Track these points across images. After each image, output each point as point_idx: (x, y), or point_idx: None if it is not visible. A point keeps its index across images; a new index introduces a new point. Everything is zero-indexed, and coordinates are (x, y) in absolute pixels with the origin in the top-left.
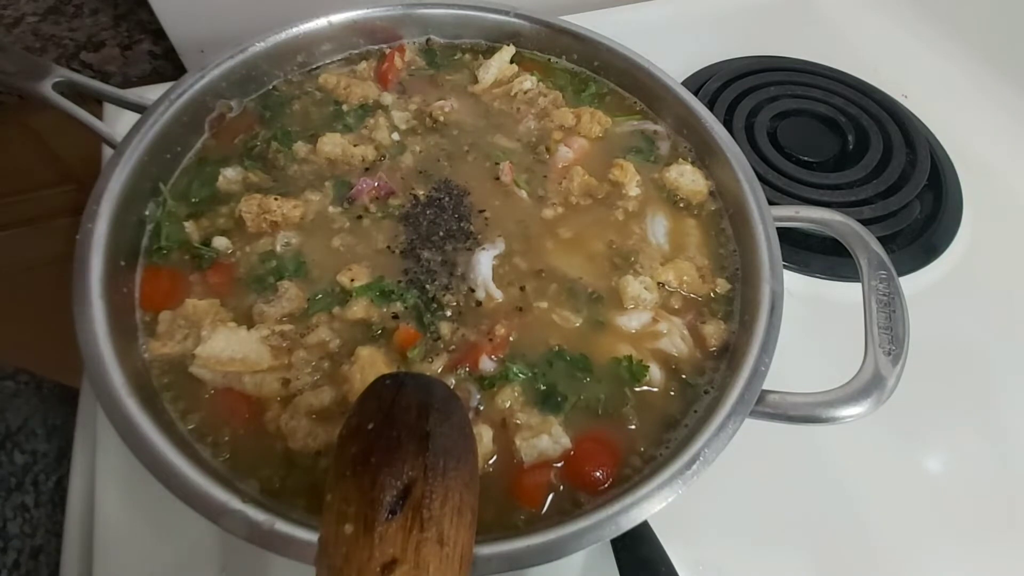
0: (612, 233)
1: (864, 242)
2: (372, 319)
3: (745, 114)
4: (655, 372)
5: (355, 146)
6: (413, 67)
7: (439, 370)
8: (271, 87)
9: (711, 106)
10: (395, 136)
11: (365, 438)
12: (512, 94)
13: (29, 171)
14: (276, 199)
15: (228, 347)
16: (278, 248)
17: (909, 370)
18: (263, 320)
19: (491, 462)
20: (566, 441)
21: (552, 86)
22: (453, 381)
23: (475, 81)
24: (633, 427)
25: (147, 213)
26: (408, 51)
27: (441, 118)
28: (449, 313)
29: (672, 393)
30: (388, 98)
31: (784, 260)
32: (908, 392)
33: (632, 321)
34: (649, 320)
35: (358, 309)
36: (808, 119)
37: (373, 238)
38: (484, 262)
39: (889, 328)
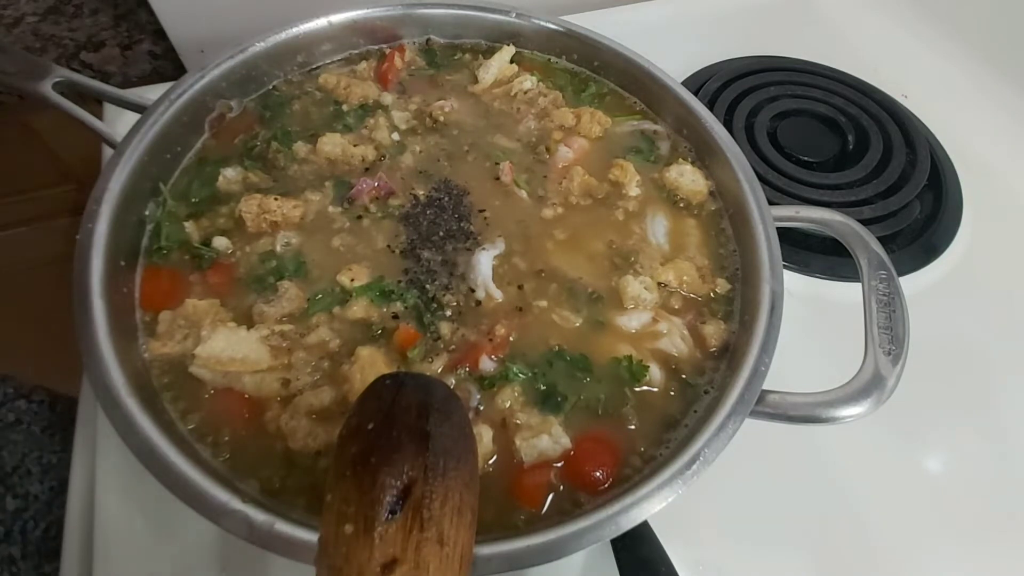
0: (612, 233)
1: (864, 242)
2: (372, 319)
3: (745, 114)
4: (655, 372)
5: (355, 146)
6: (413, 67)
7: (439, 370)
8: (271, 87)
9: (711, 106)
10: (395, 136)
11: (365, 438)
12: (512, 94)
13: (29, 171)
14: (276, 199)
15: (228, 347)
16: (278, 248)
17: (909, 370)
18: (263, 320)
19: (491, 462)
20: (566, 441)
21: (552, 86)
22: (453, 381)
23: (475, 81)
24: (633, 427)
25: (147, 213)
26: (408, 51)
27: (441, 118)
28: (449, 313)
29: (672, 393)
30: (388, 98)
31: (784, 260)
32: (908, 392)
33: (632, 321)
34: (649, 320)
35: (358, 309)
36: (808, 119)
37: (373, 238)
38: (484, 262)
39: (889, 328)
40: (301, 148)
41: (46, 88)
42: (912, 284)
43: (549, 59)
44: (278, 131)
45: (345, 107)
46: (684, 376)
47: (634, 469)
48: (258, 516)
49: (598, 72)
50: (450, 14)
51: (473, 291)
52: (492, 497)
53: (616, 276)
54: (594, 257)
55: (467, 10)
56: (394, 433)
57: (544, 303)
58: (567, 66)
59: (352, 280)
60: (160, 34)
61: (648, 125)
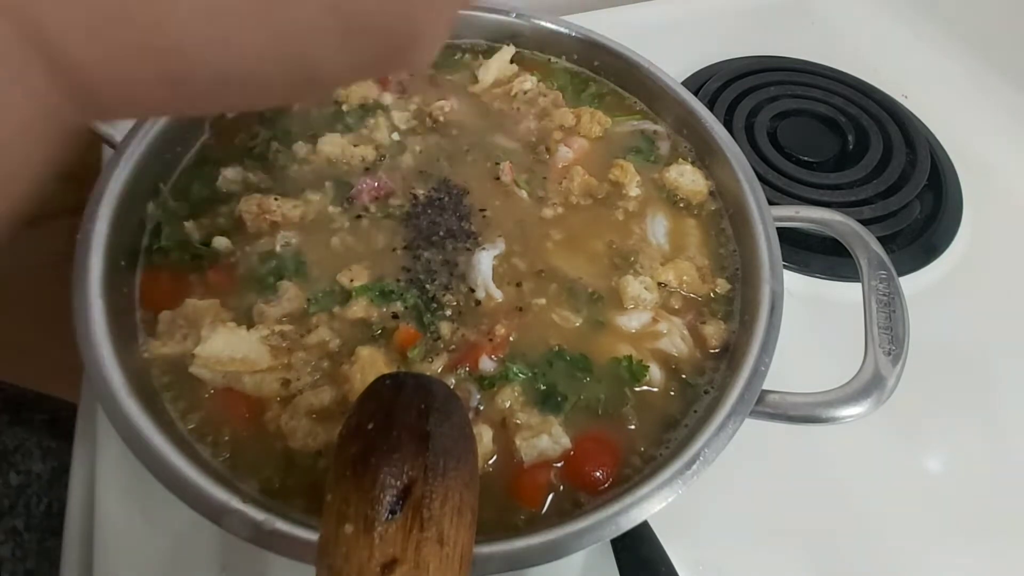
0: (612, 233)
1: (864, 242)
2: (372, 319)
3: (745, 114)
4: (655, 372)
5: (355, 146)
6: None
7: (439, 370)
8: None
9: (711, 106)
10: (395, 136)
11: (365, 438)
12: (512, 94)
13: None
14: (276, 199)
15: (228, 347)
16: (278, 248)
17: (909, 370)
18: (263, 320)
19: (491, 462)
20: (566, 441)
21: (552, 86)
22: (453, 381)
23: (475, 81)
24: (633, 427)
25: (147, 213)
26: None
27: (441, 118)
28: (449, 313)
29: (672, 393)
30: (388, 98)
31: (784, 260)
32: (908, 392)
33: (632, 321)
34: (649, 320)
35: (358, 309)
36: (808, 119)
37: (373, 238)
38: (484, 262)
39: (889, 328)
40: (301, 148)
41: None
42: (912, 284)
43: (549, 59)
44: (278, 131)
45: (345, 107)
46: (684, 376)
47: (634, 469)
48: (258, 516)
49: (598, 72)
50: None
51: (473, 291)
52: (492, 497)
53: (616, 276)
54: (594, 257)
55: (467, 10)
56: (394, 433)
57: (544, 303)
58: (567, 66)
59: (352, 280)
60: None
61: (648, 125)
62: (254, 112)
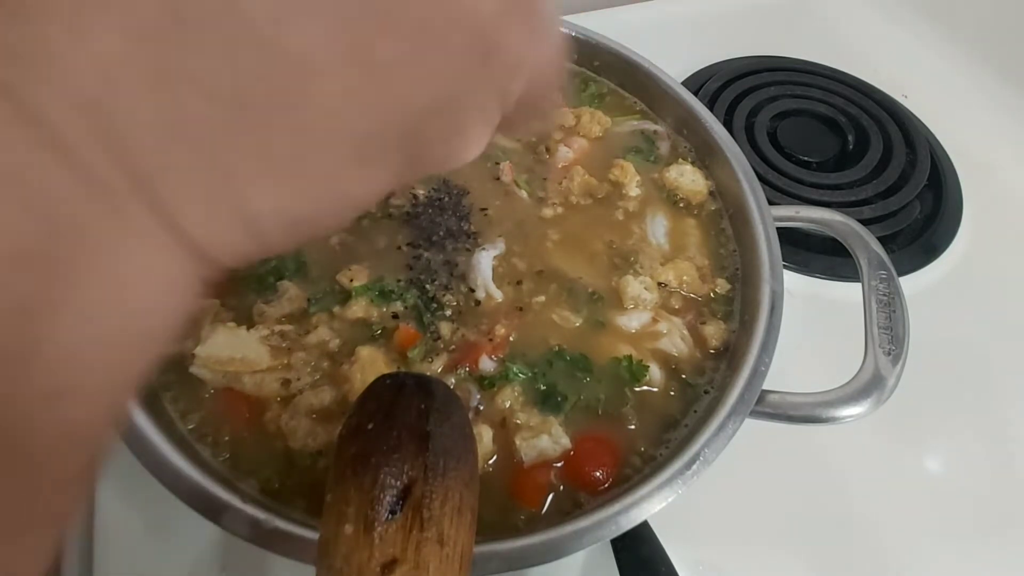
0: (612, 233)
1: (864, 242)
2: (372, 319)
3: (745, 114)
4: (655, 372)
5: None
6: None
7: (439, 370)
8: None
9: (711, 106)
10: None
11: (365, 438)
12: None
13: None
14: None
15: (228, 347)
16: None
17: (909, 370)
18: (263, 320)
19: (491, 462)
20: (566, 441)
21: None
22: (453, 381)
23: None
24: (633, 427)
25: None
26: None
27: None
28: (449, 313)
29: (672, 393)
30: None
31: (784, 260)
32: (908, 392)
33: (632, 321)
34: (649, 320)
35: (358, 309)
36: (808, 119)
37: (373, 238)
38: (484, 262)
39: (889, 328)
40: None
41: None
42: (912, 284)
43: None
44: None
45: None
46: (684, 376)
47: (634, 469)
48: (258, 516)
49: (598, 72)
50: None
51: (473, 291)
52: (492, 497)
53: (616, 276)
54: (594, 257)
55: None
56: (394, 433)
57: (544, 303)
58: (567, 66)
59: (352, 280)
60: None
61: (648, 125)
62: None
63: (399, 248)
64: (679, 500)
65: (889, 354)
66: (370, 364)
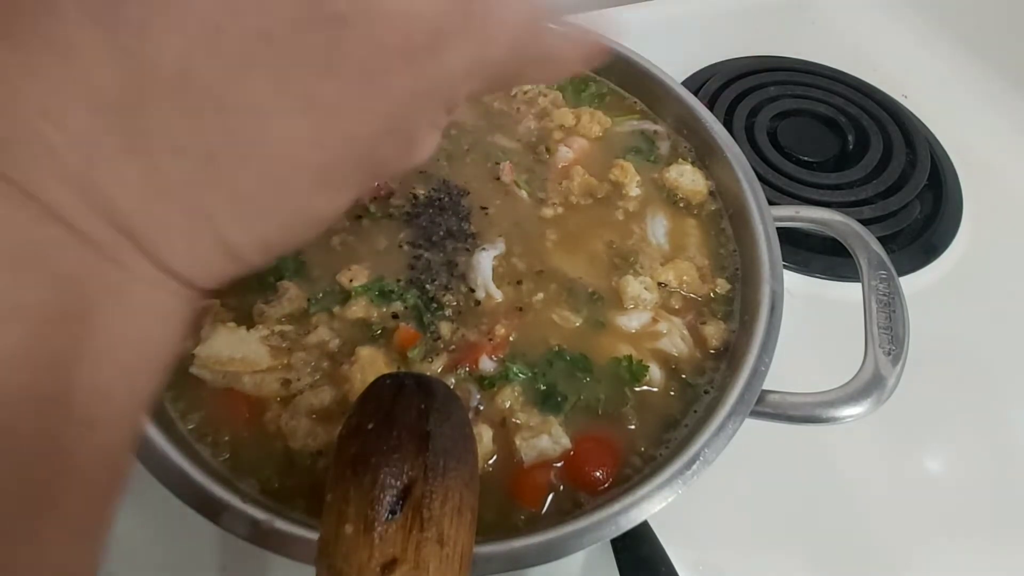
0: (612, 233)
1: (864, 242)
2: (372, 319)
3: (745, 114)
4: (655, 372)
5: None
6: None
7: (439, 370)
8: None
9: (711, 106)
10: None
11: (365, 438)
12: (512, 94)
13: None
14: None
15: (228, 347)
16: None
17: (909, 370)
18: (263, 320)
19: (491, 462)
20: (566, 441)
21: (552, 86)
22: (453, 381)
23: None
24: (633, 427)
25: None
26: None
27: None
28: (449, 313)
29: (672, 393)
30: None
31: (784, 260)
32: (908, 392)
33: (632, 321)
34: (649, 320)
35: (358, 309)
36: (808, 119)
37: (373, 238)
38: (484, 262)
39: (889, 328)
40: None
41: None
42: (912, 284)
43: None
44: None
45: None
46: (684, 376)
47: (634, 469)
48: (258, 516)
49: (598, 72)
50: None
51: (473, 291)
52: (492, 497)
53: (616, 276)
54: (594, 257)
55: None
56: (394, 433)
57: (544, 303)
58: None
59: (351, 280)
60: None
61: (648, 125)
62: None
63: (399, 248)
64: (679, 500)
65: (889, 354)
66: (370, 364)
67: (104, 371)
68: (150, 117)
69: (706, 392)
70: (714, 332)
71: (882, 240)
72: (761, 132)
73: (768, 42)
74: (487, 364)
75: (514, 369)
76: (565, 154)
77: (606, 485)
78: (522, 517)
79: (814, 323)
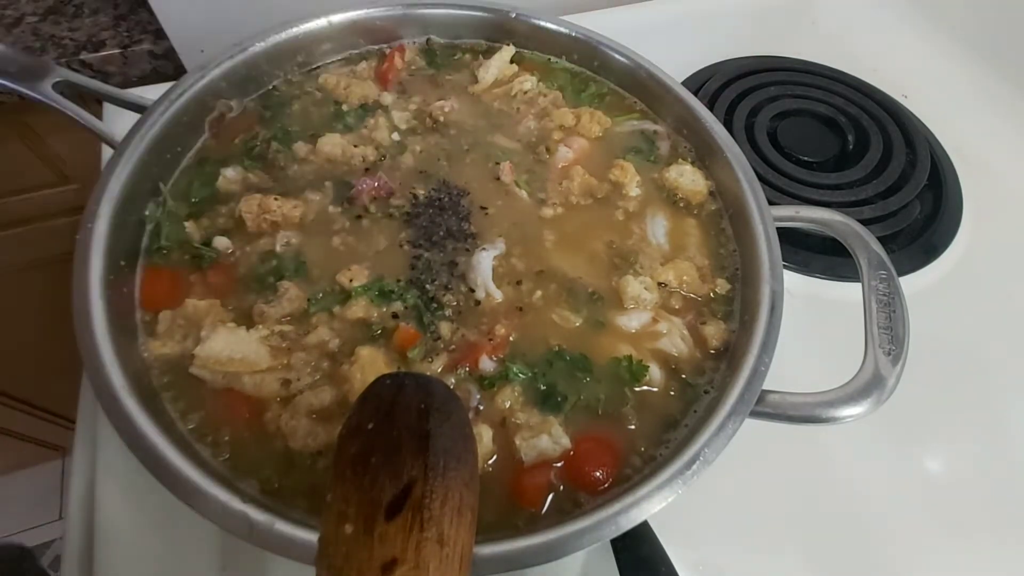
0: (612, 233)
1: (864, 242)
2: (372, 319)
3: (745, 114)
4: (655, 372)
5: (355, 146)
6: (413, 67)
7: (439, 370)
8: (271, 87)
9: (711, 106)
10: (395, 136)
11: (365, 438)
12: (512, 94)
13: (29, 171)
14: (276, 199)
15: (227, 347)
16: (278, 248)
17: (909, 370)
18: (263, 320)
19: (491, 462)
20: (566, 441)
21: (552, 86)
22: (453, 381)
23: (475, 81)
24: (633, 427)
25: (147, 213)
26: (408, 51)
27: (441, 118)
28: (449, 313)
29: (672, 393)
30: (388, 98)
31: (784, 260)
32: (908, 392)
33: (632, 321)
34: (649, 320)
35: (358, 309)
36: (808, 119)
37: (373, 238)
38: (484, 262)
39: (889, 328)
40: (301, 148)
41: (46, 88)
42: (912, 284)
43: (549, 59)
44: (278, 131)
45: (345, 107)
46: (684, 376)
47: (634, 469)
48: (258, 516)
49: (598, 72)
50: (450, 14)
51: (473, 291)
52: (492, 497)
53: (616, 276)
54: (594, 257)
55: (467, 10)
56: (394, 433)
57: (544, 303)
58: (567, 66)
59: (351, 280)
60: (160, 34)
61: (648, 125)
62: (254, 112)
63: (399, 248)
64: (679, 500)
65: (889, 354)
66: (370, 364)
67: None
68: None
69: (706, 392)
70: (714, 332)
71: (882, 240)
72: (761, 132)
73: (768, 42)
74: (487, 364)
75: (514, 369)
76: (565, 154)
77: (606, 485)
78: (522, 517)
79: (814, 323)
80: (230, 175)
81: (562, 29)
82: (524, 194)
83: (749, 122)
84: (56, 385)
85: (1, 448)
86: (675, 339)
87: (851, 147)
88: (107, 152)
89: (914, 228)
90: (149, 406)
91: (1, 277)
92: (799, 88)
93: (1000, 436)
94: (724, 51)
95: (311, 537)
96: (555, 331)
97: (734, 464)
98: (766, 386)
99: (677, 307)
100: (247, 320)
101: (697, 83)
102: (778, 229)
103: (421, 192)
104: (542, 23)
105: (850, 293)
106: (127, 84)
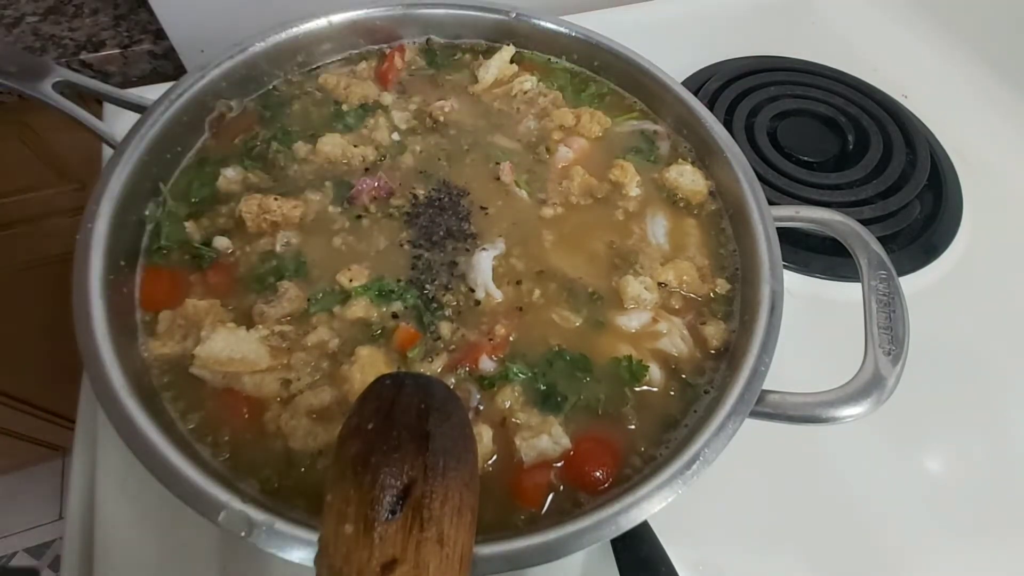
0: (612, 233)
1: (864, 242)
2: (372, 319)
3: (745, 114)
4: (655, 372)
5: (355, 146)
6: (413, 67)
7: (439, 370)
8: (271, 87)
9: (711, 106)
10: (395, 136)
11: (365, 438)
12: (512, 94)
13: (29, 171)
14: (276, 199)
15: (227, 347)
16: (278, 248)
17: (909, 370)
18: (263, 320)
19: (491, 462)
20: (566, 441)
21: (552, 86)
22: (453, 381)
23: (475, 81)
24: (633, 427)
25: (147, 213)
26: (408, 51)
27: (441, 118)
28: (449, 313)
29: (672, 393)
30: (388, 98)
31: (784, 260)
32: (908, 392)
33: (632, 321)
34: (649, 320)
35: (358, 309)
36: (808, 119)
37: (373, 238)
38: (484, 262)
39: (889, 328)
40: (301, 148)
41: (46, 88)
42: (912, 284)
43: (549, 59)
44: (278, 131)
45: (345, 107)
46: (684, 376)
47: (634, 469)
48: (258, 516)
49: (598, 72)
50: (450, 14)
51: (473, 291)
52: (492, 497)
53: (616, 276)
54: (594, 257)
55: (467, 10)
56: (394, 433)
57: (544, 303)
58: (567, 66)
59: (351, 280)
60: (160, 34)
61: (648, 125)
62: (254, 112)
63: (399, 248)
64: (679, 500)
65: (889, 354)
66: (370, 364)
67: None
68: None
69: (706, 392)
70: (714, 332)
71: (882, 240)
72: (761, 132)
73: (768, 42)
74: (487, 364)
75: (514, 369)
76: (565, 154)
77: (606, 485)
78: (522, 517)
79: (814, 323)
80: (230, 175)
81: (562, 29)
82: (524, 194)
83: (749, 122)
84: (56, 385)
85: (1, 448)
86: (675, 339)
87: (851, 147)
88: (107, 152)
89: (914, 228)
90: (149, 406)
91: (1, 277)
92: (799, 88)
93: (1000, 436)
94: (724, 51)
95: (311, 537)
96: (555, 331)
97: (734, 464)
98: (766, 386)
99: (677, 307)
100: (247, 320)
101: (697, 83)
102: (778, 229)
103: (421, 192)
104: (542, 23)
105: (850, 293)
106: (127, 84)
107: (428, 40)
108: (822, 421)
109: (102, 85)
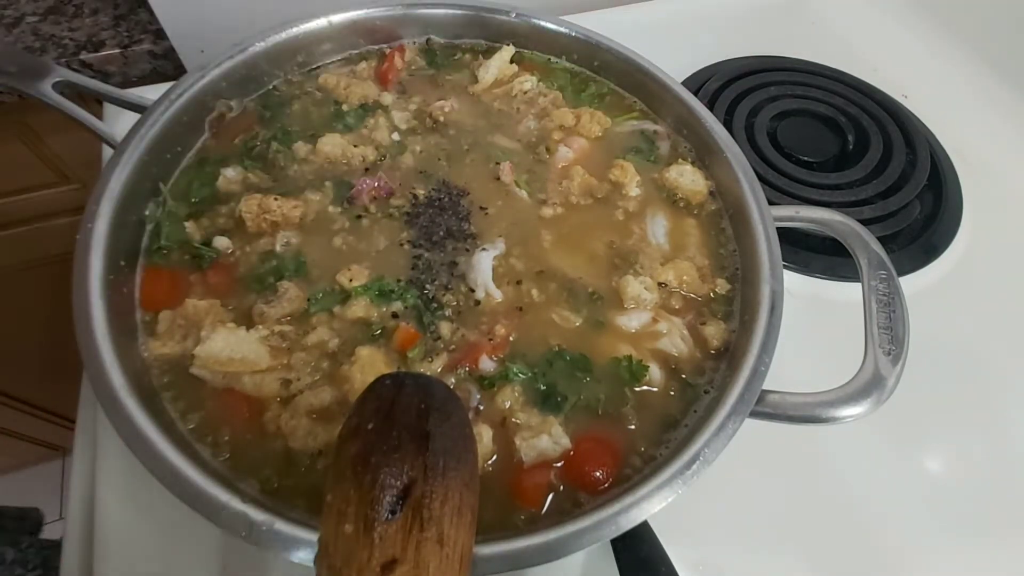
0: (612, 233)
1: (864, 242)
2: (372, 319)
3: (745, 114)
4: (655, 372)
5: (355, 146)
6: (413, 67)
7: (439, 370)
8: (271, 87)
9: (711, 106)
10: (395, 136)
11: (365, 438)
12: (512, 94)
13: (29, 171)
14: (276, 199)
15: (227, 347)
16: (278, 248)
17: (909, 370)
18: (263, 320)
19: (491, 462)
20: (566, 441)
21: (552, 86)
22: (453, 381)
23: (475, 81)
24: (633, 427)
25: (147, 213)
26: (408, 51)
27: (441, 118)
28: (449, 313)
29: (672, 393)
30: (388, 98)
31: (784, 260)
32: (908, 392)
33: (632, 321)
34: (649, 320)
35: (358, 309)
36: (808, 119)
37: (373, 238)
38: (484, 262)
39: (889, 328)
40: (301, 148)
41: (46, 88)
42: (912, 284)
43: (549, 59)
44: (278, 131)
45: (345, 107)
46: (684, 376)
47: (634, 469)
48: (258, 516)
49: (598, 72)
50: (450, 14)
51: (473, 291)
52: (492, 497)
53: (616, 276)
54: (594, 257)
55: (467, 10)
56: (394, 433)
57: (544, 303)
58: (567, 66)
59: (351, 280)
60: (160, 34)
61: (648, 125)
62: (254, 112)
63: (399, 248)
64: (679, 500)
65: (889, 354)
66: (370, 364)
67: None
68: None
69: (706, 392)
70: (714, 332)
71: (882, 240)
72: (761, 132)
73: (768, 42)
74: (487, 364)
75: (514, 369)
76: (565, 154)
77: (606, 485)
78: (522, 517)
79: (814, 323)
80: (230, 175)
81: (562, 29)
82: (524, 194)
83: (749, 122)
84: (56, 385)
85: (1, 448)
86: (675, 339)
87: (851, 147)
88: (107, 152)
89: (914, 228)
90: (149, 406)
91: (1, 277)
92: (799, 88)
93: (1000, 436)
94: (724, 51)
95: (311, 537)
96: (555, 331)
97: (734, 464)
98: (766, 386)
99: (677, 307)
100: (247, 320)
101: (697, 83)
102: (778, 229)
103: (421, 192)
104: (542, 23)
105: (850, 293)
106: (127, 84)
107: (428, 40)
108: (822, 421)
109: (102, 85)
